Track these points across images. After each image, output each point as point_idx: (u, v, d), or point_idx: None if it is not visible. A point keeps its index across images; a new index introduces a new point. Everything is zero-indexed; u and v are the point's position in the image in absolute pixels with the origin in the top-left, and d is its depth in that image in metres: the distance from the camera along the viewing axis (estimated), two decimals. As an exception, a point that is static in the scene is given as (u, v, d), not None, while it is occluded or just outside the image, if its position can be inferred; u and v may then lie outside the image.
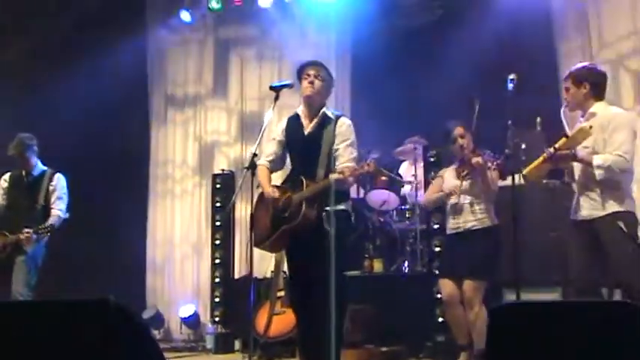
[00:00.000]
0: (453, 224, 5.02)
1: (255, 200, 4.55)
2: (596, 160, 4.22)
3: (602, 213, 4.30)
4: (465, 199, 4.96)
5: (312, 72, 4.45)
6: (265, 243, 4.48)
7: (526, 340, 2.17)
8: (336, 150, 4.34)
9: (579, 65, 4.71)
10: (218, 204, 7.45)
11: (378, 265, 6.57)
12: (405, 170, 7.22)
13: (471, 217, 4.94)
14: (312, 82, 4.41)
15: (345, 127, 4.41)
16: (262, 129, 4.48)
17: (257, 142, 4.37)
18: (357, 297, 5.78)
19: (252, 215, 4.21)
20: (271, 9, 8.18)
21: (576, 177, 4.50)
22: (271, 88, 4.45)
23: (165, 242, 8.60)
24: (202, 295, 8.21)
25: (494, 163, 4.76)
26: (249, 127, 8.44)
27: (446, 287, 4.96)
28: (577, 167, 4.49)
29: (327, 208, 4.23)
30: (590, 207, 4.37)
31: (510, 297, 5.87)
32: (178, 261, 8.52)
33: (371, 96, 7.66)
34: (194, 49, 8.83)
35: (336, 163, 4.31)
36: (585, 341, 2.10)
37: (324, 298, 4.12)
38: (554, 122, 4.89)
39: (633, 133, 4.32)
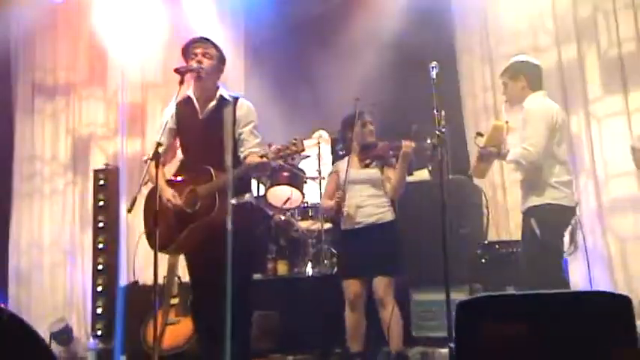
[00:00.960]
0: (352, 219, 4.92)
1: (147, 196, 4.34)
2: (510, 155, 4.45)
3: (524, 208, 4.54)
4: (367, 191, 4.93)
5: (199, 50, 4.30)
6: (171, 245, 4.21)
7: (499, 333, 2.20)
8: (240, 134, 4.21)
9: (513, 59, 4.92)
10: (101, 203, 7.16)
11: (282, 268, 6.52)
12: (309, 166, 7.16)
13: (375, 210, 4.91)
14: (199, 61, 4.26)
15: (246, 108, 4.30)
16: (165, 115, 4.30)
17: (162, 129, 4.13)
18: (261, 302, 5.67)
19: (156, 213, 3.89)
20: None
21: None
22: (177, 71, 4.19)
23: (31, 248, 8.19)
24: (76, 306, 7.87)
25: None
26: (131, 119, 8.19)
27: (352, 287, 4.89)
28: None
29: (232, 202, 4.10)
30: (520, 202, 4.66)
31: (417, 297, 6.04)
32: (47, 269, 8.14)
33: (267, 87, 7.57)
34: (67, 31, 8.45)
35: (240, 149, 4.18)
36: (564, 332, 2.15)
37: (235, 303, 3.99)
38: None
39: (547, 125, 4.48)
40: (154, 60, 8.22)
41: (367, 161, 4.93)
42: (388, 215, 4.94)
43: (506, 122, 4.60)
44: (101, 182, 7.24)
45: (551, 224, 4.49)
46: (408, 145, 4.79)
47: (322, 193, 5.27)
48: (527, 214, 4.52)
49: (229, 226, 4.04)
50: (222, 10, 7.83)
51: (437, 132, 4.13)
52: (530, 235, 4.48)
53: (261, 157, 3.96)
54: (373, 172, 4.94)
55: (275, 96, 7.29)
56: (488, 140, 4.58)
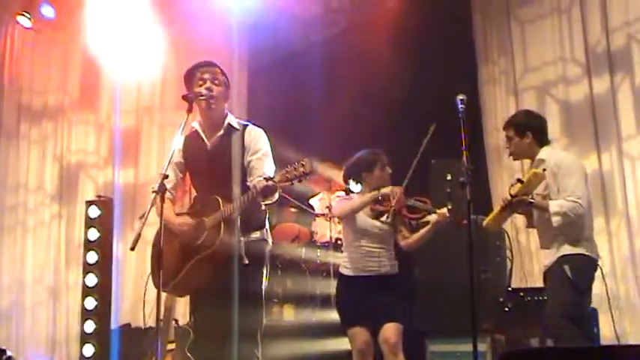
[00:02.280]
0: (363, 266, 5.04)
1: (157, 233, 4.20)
2: (553, 206, 4.58)
3: (554, 258, 4.64)
4: (377, 242, 5.05)
5: (207, 75, 4.34)
6: (171, 283, 4.24)
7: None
8: (249, 163, 4.26)
9: (518, 113, 5.17)
10: (93, 237, 7.10)
11: (288, 312, 6.56)
12: (320, 202, 7.27)
13: (386, 261, 5.05)
14: (209, 89, 4.30)
15: (255, 135, 4.35)
16: (173, 147, 4.28)
17: (167, 161, 4.12)
18: (264, 350, 5.68)
19: (160, 250, 3.89)
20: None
21: (536, 222, 4.85)
22: (184, 97, 4.17)
23: (12, 285, 8.13)
24: (59, 349, 7.88)
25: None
26: (124, 147, 8.25)
27: (360, 336, 4.97)
28: (535, 214, 4.82)
29: (242, 239, 4.16)
30: (546, 256, 4.78)
31: (433, 348, 6.09)
32: (29, 308, 8.10)
33: (272, 115, 7.63)
34: (57, 50, 8.52)
35: (249, 179, 4.21)
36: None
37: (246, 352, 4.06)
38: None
39: (584, 176, 4.73)
40: (150, 82, 8.34)
41: (380, 214, 4.99)
42: (396, 268, 5.11)
43: (544, 170, 4.68)
44: (93, 215, 7.19)
45: (584, 274, 4.63)
46: (443, 214, 4.88)
47: (333, 210, 5.27)
48: (558, 262, 4.61)
49: (245, 261, 4.10)
50: (223, 31, 7.90)
51: (466, 169, 4.17)
52: (562, 281, 4.55)
53: (267, 180, 3.96)
54: (386, 228, 5.06)
55: (281, 126, 7.34)
56: (524, 187, 4.68)
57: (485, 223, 4.86)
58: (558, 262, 4.62)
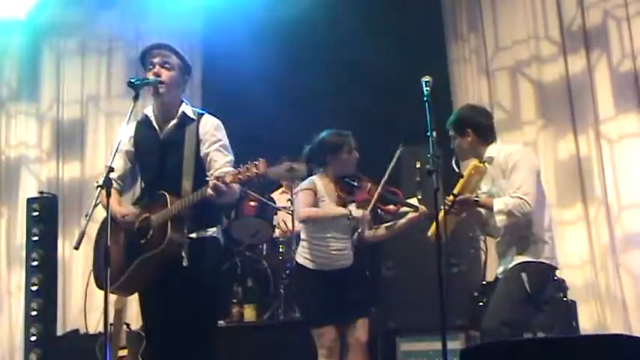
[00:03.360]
0: (330, 262, 5.01)
1: (100, 228, 4.39)
2: (497, 204, 4.48)
3: (510, 265, 4.58)
4: (340, 230, 5.02)
5: (157, 59, 4.29)
6: (116, 283, 4.22)
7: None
8: (206, 155, 4.27)
9: (460, 108, 5.09)
10: (35, 237, 7.10)
11: (249, 313, 6.59)
12: (279, 195, 7.31)
13: (350, 253, 5.06)
14: (157, 73, 4.25)
15: (210, 126, 4.33)
16: (120, 135, 4.26)
17: (113, 153, 4.07)
18: (224, 353, 5.73)
19: (107, 248, 3.83)
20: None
21: (492, 223, 4.69)
22: (130, 84, 4.11)
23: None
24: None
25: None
26: (68, 139, 8.26)
27: (329, 334, 4.98)
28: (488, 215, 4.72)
29: (192, 235, 4.18)
30: (501, 263, 4.71)
31: (405, 347, 6.11)
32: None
33: (227, 104, 7.54)
34: (-9, 39, 8.43)
35: (209, 173, 4.21)
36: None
37: (196, 354, 4.09)
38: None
39: (535, 172, 4.62)
40: (95, 67, 8.34)
41: (346, 202, 5.01)
42: (352, 257, 5.10)
43: (483, 162, 4.64)
44: (35, 213, 7.18)
45: (542, 284, 4.60)
46: (423, 211, 4.91)
47: (296, 207, 5.22)
48: (516, 269, 4.55)
49: (185, 262, 4.08)
50: (175, 12, 7.96)
51: (432, 156, 4.12)
52: (516, 288, 4.49)
53: (217, 179, 3.93)
54: (354, 218, 5.04)
55: (237, 116, 7.32)
56: (466, 184, 4.60)
57: (429, 233, 4.58)
58: (515, 269, 4.53)
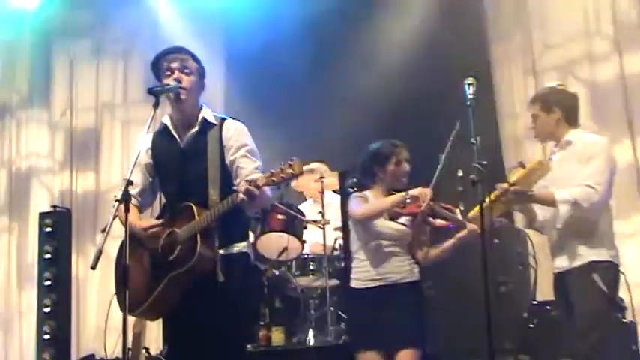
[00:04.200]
0: (380, 271, 4.89)
1: (121, 246, 4.28)
2: (560, 194, 4.44)
3: (575, 264, 4.52)
4: (390, 246, 4.93)
5: (175, 64, 4.32)
6: (142, 306, 4.20)
7: None
8: (232, 162, 4.26)
9: (546, 87, 5.02)
10: (48, 255, 7.11)
11: (277, 336, 6.47)
12: (309, 208, 7.23)
13: (399, 265, 4.92)
14: (178, 79, 4.27)
15: (234, 130, 4.33)
16: (138, 149, 4.19)
17: (132, 165, 4.08)
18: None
19: (125, 266, 3.80)
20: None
21: (541, 219, 4.72)
22: (151, 91, 4.14)
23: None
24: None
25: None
26: (82, 149, 8.33)
27: None
28: (540, 210, 4.71)
29: (220, 251, 4.16)
30: (561, 257, 4.61)
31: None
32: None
33: (251, 109, 7.60)
34: (2, 44, 8.53)
35: (236, 181, 4.18)
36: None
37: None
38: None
39: (610, 163, 4.58)
40: (110, 73, 8.40)
41: (396, 216, 4.86)
42: (415, 273, 4.97)
43: (549, 160, 4.65)
44: (48, 229, 7.19)
45: (609, 286, 4.51)
46: (473, 230, 4.72)
47: (351, 209, 5.07)
48: (584, 270, 4.49)
49: (220, 277, 4.07)
50: (196, 13, 7.99)
51: (477, 165, 4.10)
52: (593, 293, 4.47)
53: (249, 182, 3.90)
54: (404, 230, 4.94)
55: (262, 122, 7.24)
56: (526, 176, 4.57)
57: (470, 215, 4.62)
58: (584, 271, 4.47)
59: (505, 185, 4.48)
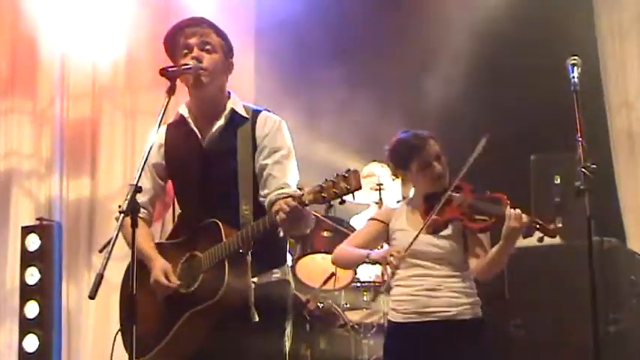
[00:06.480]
0: (419, 306, 4.72)
1: (127, 271, 4.26)
2: None
3: None
4: (439, 269, 4.74)
5: (194, 39, 4.28)
6: (155, 349, 4.18)
7: None
8: (262, 168, 4.22)
9: None
10: (32, 280, 7.10)
11: (323, 386, 6.54)
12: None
13: (458, 297, 4.74)
14: (197, 58, 4.22)
15: (271, 127, 4.30)
16: (148, 146, 4.06)
17: (140, 167, 3.92)
18: None
19: (132, 296, 3.70)
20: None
21: None
22: (163, 72, 4.04)
23: None
24: None
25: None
26: (74, 146, 8.28)
27: None
28: None
29: (254, 280, 4.10)
30: None
31: None
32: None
33: (284, 96, 7.62)
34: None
35: (263, 192, 4.17)
36: None
37: None
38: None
39: None
40: (111, 53, 8.28)
41: (438, 225, 4.70)
42: (477, 308, 4.81)
43: None
44: (32, 247, 7.22)
45: None
46: (517, 217, 4.46)
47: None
48: None
49: (255, 317, 4.03)
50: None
51: (582, 169, 3.96)
52: None
53: (295, 199, 3.82)
54: (450, 244, 4.76)
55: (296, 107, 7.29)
56: None
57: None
58: None
59: None
